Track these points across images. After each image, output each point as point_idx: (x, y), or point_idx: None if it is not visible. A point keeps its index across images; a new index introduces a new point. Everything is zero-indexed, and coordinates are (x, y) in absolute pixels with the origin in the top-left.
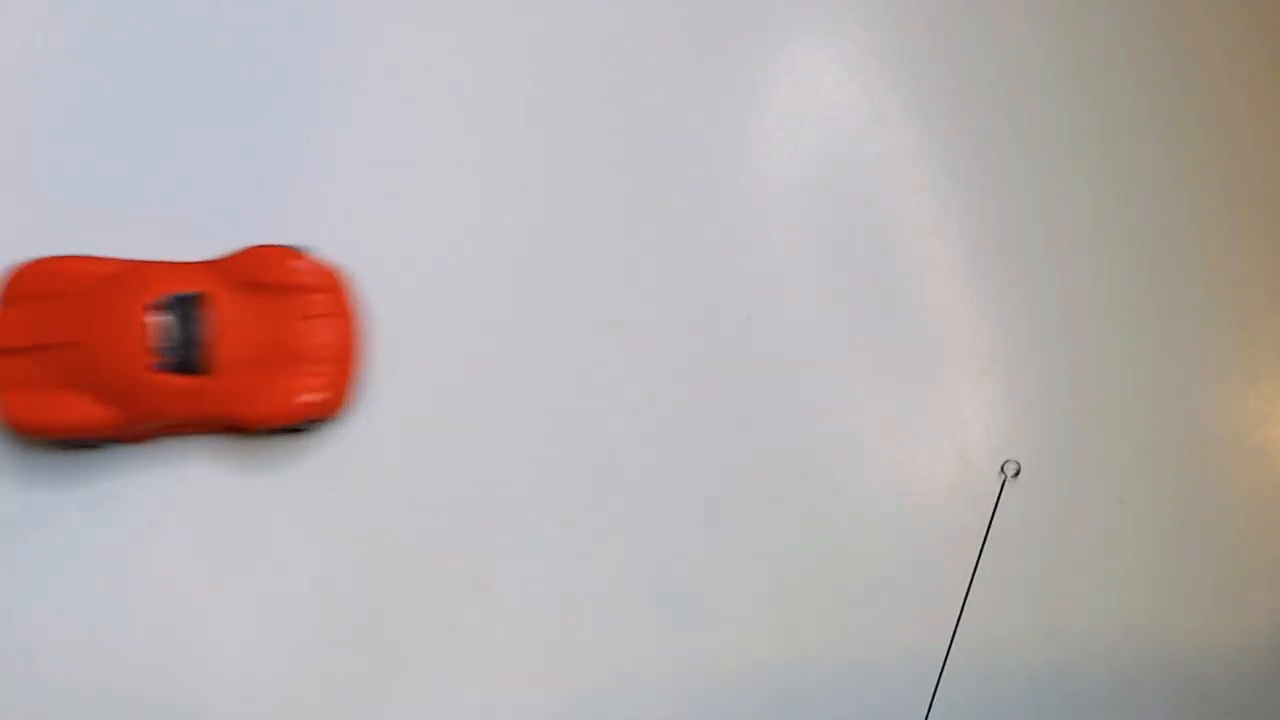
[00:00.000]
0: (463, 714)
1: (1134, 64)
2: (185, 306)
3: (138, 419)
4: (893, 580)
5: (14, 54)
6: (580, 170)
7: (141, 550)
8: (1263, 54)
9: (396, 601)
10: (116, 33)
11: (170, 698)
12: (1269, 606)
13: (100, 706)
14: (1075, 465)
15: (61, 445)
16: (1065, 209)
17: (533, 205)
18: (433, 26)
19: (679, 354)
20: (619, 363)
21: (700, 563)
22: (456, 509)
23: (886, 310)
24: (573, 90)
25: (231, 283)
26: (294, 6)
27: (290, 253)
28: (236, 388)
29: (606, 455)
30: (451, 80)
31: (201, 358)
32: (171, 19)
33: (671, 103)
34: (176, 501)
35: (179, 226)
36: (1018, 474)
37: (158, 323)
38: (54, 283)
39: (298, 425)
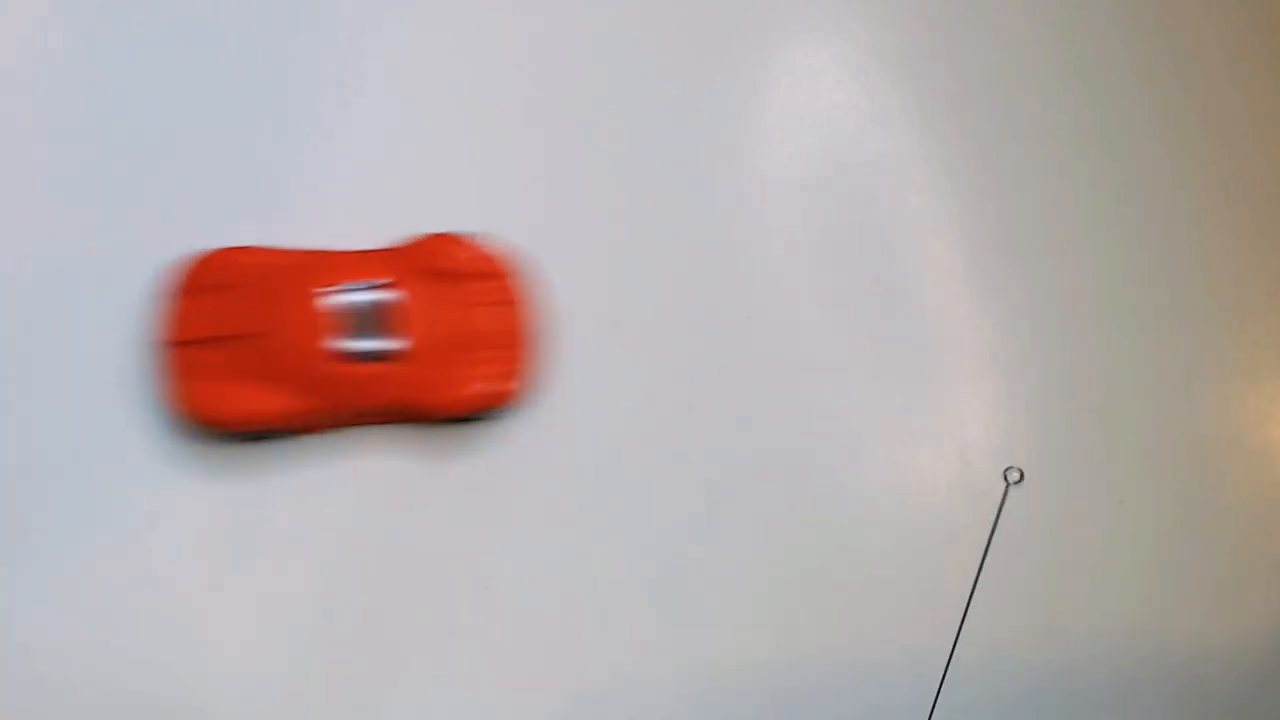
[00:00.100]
0: (463, 714)
1: (1134, 64)
2: (367, 295)
3: (320, 409)
4: (893, 580)
5: (14, 54)
6: (580, 170)
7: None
8: (1263, 54)
9: (396, 601)
10: (116, 33)
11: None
12: (1269, 606)
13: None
14: (1075, 465)
15: (239, 437)
16: (1065, 209)
17: (533, 205)
18: (433, 26)
19: (679, 354)
20: (619, 363)
21: (700, 563)
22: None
23: (886, 310)
24: (573, 90)
25: (410, 271)
26: (294, 6)
27: (463, 240)
28: (418, 376)
29: (606, 455)
30: (451, 80)
31: (383, 346)
32: (171, 19)
33: (671, 103)
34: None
35: (179, 227)
36: (1020, 480)
37: (339, 311)
38: (233, 273)
39: (479, 413)
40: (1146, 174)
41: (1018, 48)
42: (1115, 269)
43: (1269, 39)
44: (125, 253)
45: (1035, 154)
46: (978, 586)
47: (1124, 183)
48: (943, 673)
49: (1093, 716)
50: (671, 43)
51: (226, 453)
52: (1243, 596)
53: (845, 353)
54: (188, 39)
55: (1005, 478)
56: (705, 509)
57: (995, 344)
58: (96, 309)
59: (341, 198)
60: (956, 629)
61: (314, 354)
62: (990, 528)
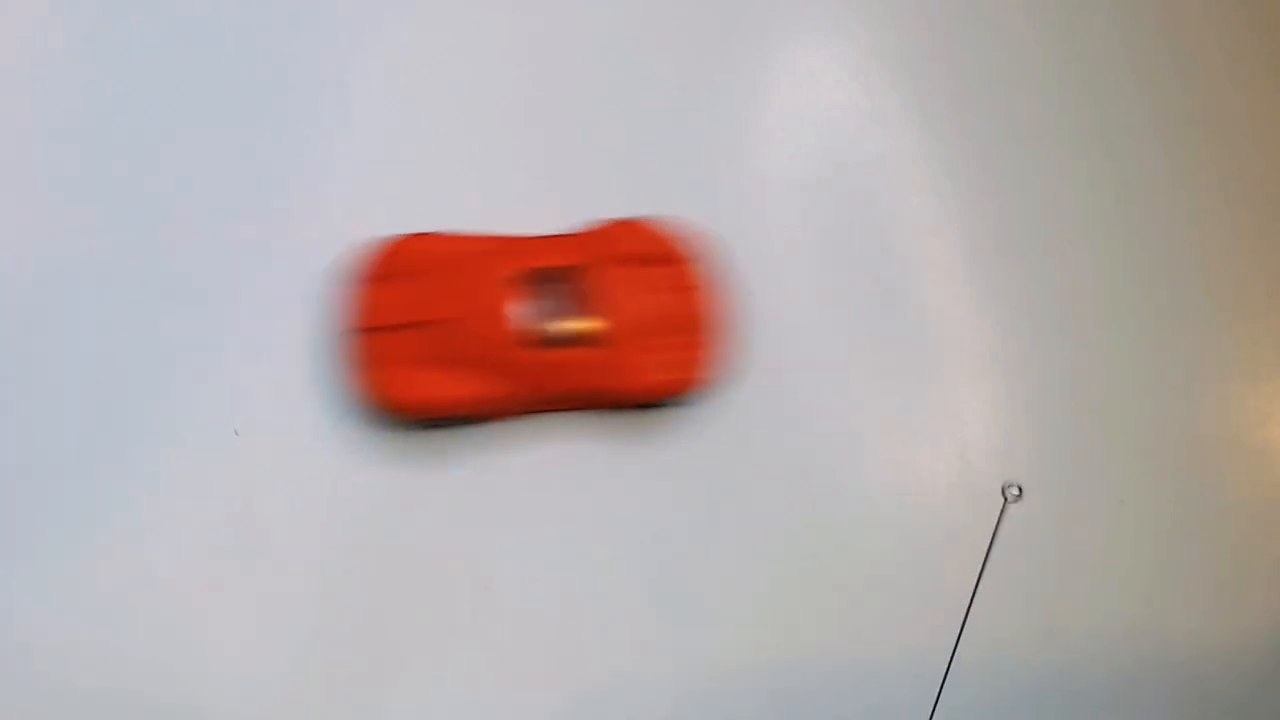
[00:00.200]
0: (463, 714)
1: (1134, 64)
2: (558, 280)
3: (510, 395)
4: (893, 580)
5: (14, 54)
6: (580, 170)
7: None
8: (1263, 54)
9: (396, 601)
10: (116, 33)
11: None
12: (1269, 606)
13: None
14: (1075, 465)
15: (425, 424)
16: (1065, 209)
17: (533, 205)
18: (433, 26)
19: None
20: None
21: (700, 563)
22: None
23: (886, 310)
24: (573, 90)
25: (597, 255)
26: (294, 6)
27: (651, 226)
28: (610, 361)
29: (606, 455)
30: (451, 80)
31: (577, 330)
32: (171, 19)
33: (671, 103)
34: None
35: (179, 226)
36: (1020, 496)
37: (531, 297)
38: (422, 260)
39: (667, 399)
40: (1146, 174)
41: (1018, 48)
42: (1115, 269)
43: (1269, 39)
44: (125, 253)
45: (1035, 154)
46: (979, 587)
47: (1124, 183)
48: (944, 673)
49: (1093, 716)
50: (671, 43)
51: (407, 439)
52: (1243, 596)
53: (845, 353)
54: (188, 39)
55: (1004, 494)
56: (705, 509)
57: (995, 344)
58: (97, 309)
59: (342, 197)
60: (958, 629)
61: (505, 339)
62: (991, 530)
